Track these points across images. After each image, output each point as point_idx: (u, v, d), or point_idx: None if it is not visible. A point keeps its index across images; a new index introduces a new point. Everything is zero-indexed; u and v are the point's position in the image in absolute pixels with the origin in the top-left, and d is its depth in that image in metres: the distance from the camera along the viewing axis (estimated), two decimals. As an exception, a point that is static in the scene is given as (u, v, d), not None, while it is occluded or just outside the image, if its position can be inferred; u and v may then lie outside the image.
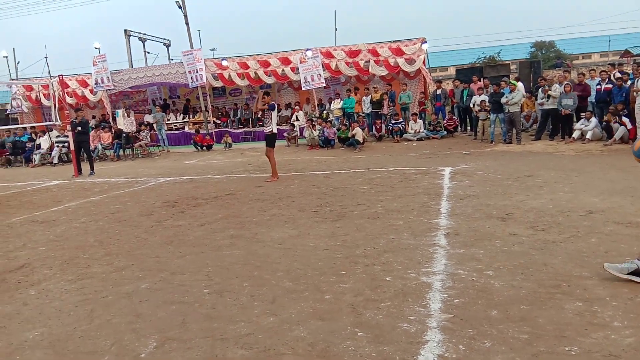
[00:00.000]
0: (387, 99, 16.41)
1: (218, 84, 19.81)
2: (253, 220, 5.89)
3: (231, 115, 20.83)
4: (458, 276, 3.61)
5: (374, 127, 16.21)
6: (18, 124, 21.50)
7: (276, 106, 9.67)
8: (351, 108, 16.65)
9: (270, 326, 3.02)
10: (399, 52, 17.03)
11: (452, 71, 36.88)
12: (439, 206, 5.95)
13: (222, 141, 18.03)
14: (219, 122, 20.30)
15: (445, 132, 15.28)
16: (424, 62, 17.20)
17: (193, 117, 21.01)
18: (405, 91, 16.39)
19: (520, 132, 12.66)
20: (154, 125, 19.09)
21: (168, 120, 20.67)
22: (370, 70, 17.48)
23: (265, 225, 5.64)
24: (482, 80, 14.92)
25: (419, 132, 15.21)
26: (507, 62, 25.62)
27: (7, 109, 24.54)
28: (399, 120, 15.65)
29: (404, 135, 15.30)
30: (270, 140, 9.18)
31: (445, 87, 17.32)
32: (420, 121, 15.54)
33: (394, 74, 17.81)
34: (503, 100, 12.23)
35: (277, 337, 2.87)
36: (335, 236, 4.93)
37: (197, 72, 18.84)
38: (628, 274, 3.30)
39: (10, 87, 22.49)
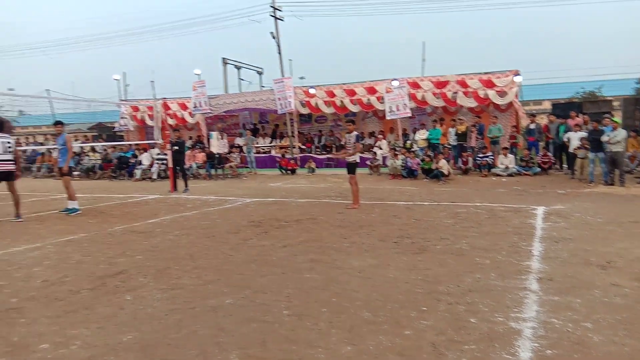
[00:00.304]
0: (475, 132, 15.94)
1: (305, 110, 20.46)
2: (333, 246, 5.93)
3: (316, 142, 21.36)
4: (551, 325, 3.36)
5: (460, 159, 15.77)
6: (124, 141, 23.64)
7: (360, 136, 9.79)
8: (437, 139, 16.39)
9: (348, 355, 2.99)
10: (489, 84, 16.57)
11: (547, 105, 35.06)
12: (531, 248, 5.60)
13: (305, 166, 18.49)
14: (303, 147, 20.88)
15: (539, 169, 14.48)
16: (516, 95, 16.58)
17: (280, 142, 21.81)
18: (495, 124, 15.84)
19: (624, 174, 11.65)
20: (244, 147, 20.07)
21: (257, 143, 21.63)
22: (458, 101, 17.15)
23: (345, 252, 5.65)
24: (580, 116, 14.01)
25: (509, 167, 14.56)
26: (609, 98, 23.88)
27: (115, 127, 27.10)
28: (488, 154, 15.09)
29: (493, 170, 14.71)
30: (352, 167, 9.28)
31: (539, 121, 16.48)
32: (511, 156, 14.88)
33: (484, 106, 17.32)
34: (604, 138, 11.37)
35: (354, 367, 2.83)
36: (417, 270, 4.82)
37: (286, 99, 19.64)
38: None
39: (120, 107, 24.82)
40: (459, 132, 15.91)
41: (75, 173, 18.84)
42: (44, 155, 21.81)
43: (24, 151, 22.54)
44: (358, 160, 9.42)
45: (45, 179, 19.30)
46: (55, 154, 20.01)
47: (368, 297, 4.03)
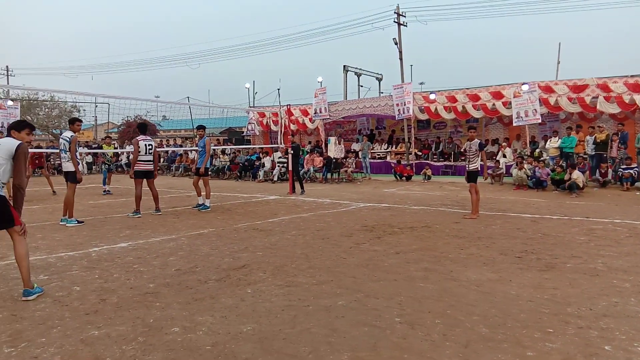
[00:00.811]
0: (618, 141, 14.24)
1: (423, 116, 20.05)
2: (449, 257, 5.72)
3: (433, 148, 20.80)
4: None
5: (598, 171, 14.21)
6: (250, 145, 25.31)
7: (483, 144, 9.37)
8: (571, 148, 14.97)
9: (462, 371, 2.86)
10: (637, 88, 14.71)
11: None
12: (684, 274, 4.85)
13: (421, 173, 18.10)
14: (420, 154, 20.47)
15: (697, 185, 12.50)
16: (671, 100, 14.51)
17: (396, 148, 21.63)
18: (643, 132, 14.01)
19: None
20: (359, 153, 20.28)
21: (372, 149, 21.72)
22: (598, 107, 15.48)
23: (462, 263, 5.41)
24: None
25: (658, 181, 12.79)
26: None
27: (243, 132, 29.14)
28: (632, 166, 13.39)
29: (637, 184, 13.02)
30: (472, 176, 8.92)
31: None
32: (660, 169, 13.05)
33: (629, 112, 15.42)
34: None
35: (468, 384, 2.70)
36: (543, 288, 4.44)
37: (404, 104, 19.44)
38: None
39: (248, 113, 26.63)
40: (598, 140, 14.35)
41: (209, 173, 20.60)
42: (181, 156, 24.24)
43: (166, 152, 25.30)
44: (479, 168, 9.01)
45: (182, 178, 21.43)
46: (192, 155, 22.17)
47: (486, 313, 3.81)
